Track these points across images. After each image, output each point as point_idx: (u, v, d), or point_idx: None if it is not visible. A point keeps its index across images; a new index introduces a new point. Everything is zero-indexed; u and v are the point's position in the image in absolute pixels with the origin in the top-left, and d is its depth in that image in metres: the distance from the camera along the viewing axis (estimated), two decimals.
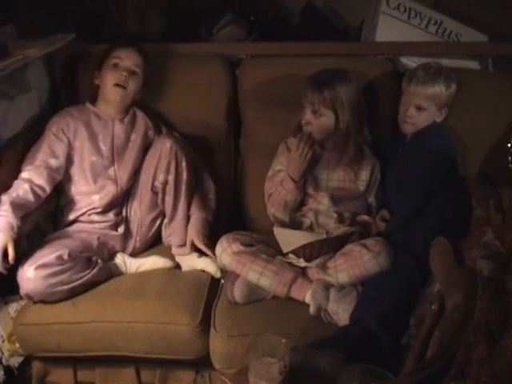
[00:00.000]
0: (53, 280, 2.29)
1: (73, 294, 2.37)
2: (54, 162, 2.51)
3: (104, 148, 2.61)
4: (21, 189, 2.38)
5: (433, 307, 1.67)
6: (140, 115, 2.71)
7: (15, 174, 2.48)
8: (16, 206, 2.31)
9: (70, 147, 2.56)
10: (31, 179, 2.42)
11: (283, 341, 1.76)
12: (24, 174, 2.43)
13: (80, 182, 2.59)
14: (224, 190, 2.86)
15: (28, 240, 2.43)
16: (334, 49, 2.89)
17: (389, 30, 2.90)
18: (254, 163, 2.87)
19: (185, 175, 2.55)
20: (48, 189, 2.47)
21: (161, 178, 2.53)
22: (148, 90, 2.76)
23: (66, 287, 2.33)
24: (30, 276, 2.26)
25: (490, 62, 2.90)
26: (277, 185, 2.56)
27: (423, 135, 2.53)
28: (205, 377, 1.69)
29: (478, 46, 2.93)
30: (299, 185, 2.51)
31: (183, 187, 2.56)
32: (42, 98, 2.75)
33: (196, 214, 2.63)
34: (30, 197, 2.39)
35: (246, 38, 3.27)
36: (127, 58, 2.59)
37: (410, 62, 2.81)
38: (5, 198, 2.32)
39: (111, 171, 2.62)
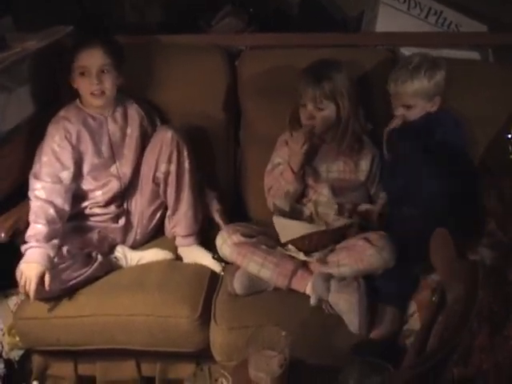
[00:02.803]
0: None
1: (73, 290, 2.37)
2: (66, 174, 2.45)
3: (103, 149, 2.57)
4: (49, 215, 2.33)
5: (433, 299, 1.67)
6: (132, 107, 2.66)
7: (14, 167, 2.49)
8: (50, 236, 2.29)
9: (76, 153, 2.50)
10: (52, 201, 2.36)
11: (283, 334, 1.76)
12: (40, 194, 2.37)
13: (82, 182, 2.56)
14: (224, 182, 2.87)
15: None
16: (333, 40, 2.88)
17: (389, 20, 2.90)
18: (253, 155, 2.86)
19: (187, 164, 2.52)
20: (68, 207, 2.44)
21: (162, 168, 2.51)
22: (147, 81, 2.77)
23: (65, 285, 2.33)
24: None
25: (490, 53, 2.89)
26: (277, 177, 2.56)
27: (433, 124, 2.51)
28: (204, 370, 1.70)
29: (478, 37, 2.92)
30: (298, 176, 2.50)
31: (186, 177, 2.53)
32: (41, 91, 2.73)
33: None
34: (57, 222, 2.36)
35: (245, 29, 3.27)
36: (90, 64, 2.44)
37: (409, 52, 2.79)
38: (40, 227, 2.29)
39: (113, 169, 2.60)
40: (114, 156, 2.60)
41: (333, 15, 3.38)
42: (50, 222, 2.32)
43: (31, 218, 2.33)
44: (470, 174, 2.47)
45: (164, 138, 2.50)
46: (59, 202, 2.39)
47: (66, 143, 2.47)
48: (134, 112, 2.66)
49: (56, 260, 2.31)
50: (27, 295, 2.23)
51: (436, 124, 2.49)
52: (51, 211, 2.35)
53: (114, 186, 2.60)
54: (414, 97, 2.46)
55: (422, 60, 2.48)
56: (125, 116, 2.63)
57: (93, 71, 2.44)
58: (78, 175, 2.52)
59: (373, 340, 2.16)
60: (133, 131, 2.63)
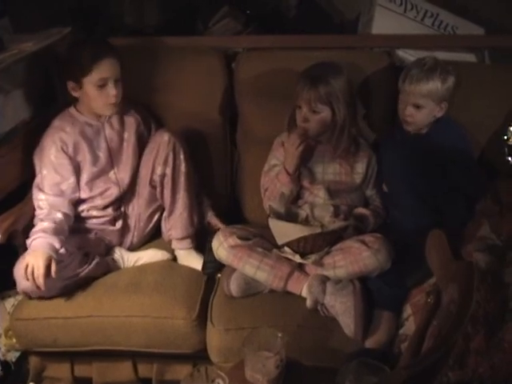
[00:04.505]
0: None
1: (70, 289, 2.37)
2: (66, 186, 2.46)
3: (101, 155, 2.56)
4: (56, 218, 2.36)
5: (429, 300, 1.67)
6: (128, 112, 2.65)
7: (11, 168, 2.48)
8: (57, 231, 2.31)
9: (74, 163, 2.49)
10: (57, 210, 2.39)
11: (279, 335, 1.77)
12: (44, 205, 2.39)
13: (81, 192, 2.54)
14: (220, 184, 2.88)
15: (24, 235, 2.40)
16: (330, 42, 2.88)
17: (385, 22, 2.89)
18: (250, 156, 2.86)
19: (183, 167, 2.53)
20: (72, 214, 2.47)
21: (159, 170, 2.52)
22: (144, 84, 2.77)
23: (62, 284, 2.33)
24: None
25: (486, 55, 2.89)
26: (272, 179, 2.56)
27: (440, 133, 2.54)
28: (201, 371, 1.70)
29: (475, 39, 2.92)
30: (293, 178, 2.50)
31: (182, 179, 2.54)
32: (38, 93, 2.73)
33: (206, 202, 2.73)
34: (64, 224, 2.38)
35: (243, 31, 3.27)
36: (110, 74, 2.40)
37: (406, 54, 2.81)
38: (46, 224, 2.32)
39: (112, 175, 2.60)
40: (112, 162, 2.59)
41: (330, 17, 3.38)
42: (57, 223, 2.34)
43: (38, 219, 2.36)
44: (476, 179, 2.50)
45: (161, 141, 2.51)
46: (63, 211, 2.41)
47: (63, 155, 2.46)
48: (131, 117, 2.65)
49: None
50: (34, 285, 2.20)
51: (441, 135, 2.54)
52: (58, 215, 2.37)
53: (113, 192, 2.60)
54: (425, 97, 2.46)
55: (436, 63, 2.49)
56: (121, 121, 2.62)
57: (111, 81, 2.41)
58: (77, 185, 2.52)
59: (369, 348, 2.16)
60: (130, 136, 2.62)
